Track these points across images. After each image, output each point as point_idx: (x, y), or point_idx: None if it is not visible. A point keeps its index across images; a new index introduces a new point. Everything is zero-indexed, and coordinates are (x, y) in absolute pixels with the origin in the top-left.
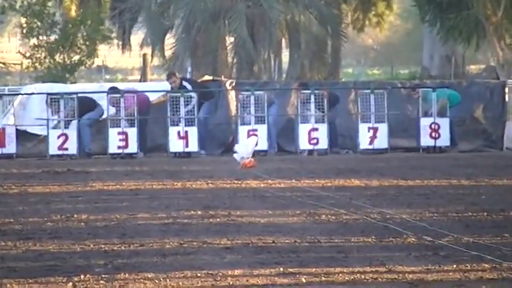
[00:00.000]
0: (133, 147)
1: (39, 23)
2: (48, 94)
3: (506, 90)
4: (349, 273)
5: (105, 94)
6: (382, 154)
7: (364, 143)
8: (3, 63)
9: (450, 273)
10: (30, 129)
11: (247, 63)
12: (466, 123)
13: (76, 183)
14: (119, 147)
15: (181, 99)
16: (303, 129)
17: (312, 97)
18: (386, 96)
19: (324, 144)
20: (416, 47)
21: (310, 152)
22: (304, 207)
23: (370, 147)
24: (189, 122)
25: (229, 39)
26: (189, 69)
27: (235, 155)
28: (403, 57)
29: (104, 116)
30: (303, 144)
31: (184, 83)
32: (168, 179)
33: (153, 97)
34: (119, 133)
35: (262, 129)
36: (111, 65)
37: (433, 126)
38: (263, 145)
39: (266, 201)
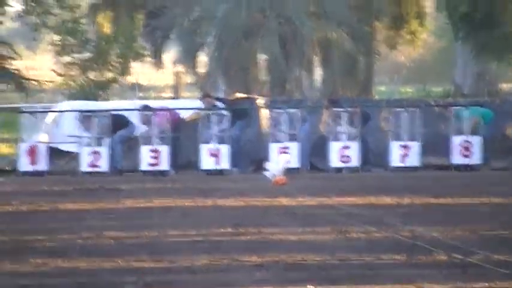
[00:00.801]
0: (164, 164)
1: (72, 40)
2: (81, 111)
3: None
4: None
5: (137, 112)
6: (414, 172)
7: (396, 160)
8: (37, 81)
9: None
10: (62, 147)
11: (280, 80)
12: (498, 140)
13: (107, 200)
14: (151, 165)
15: (214, 117)
16: (334, 147)
17: (344, 114)
18: (419, 114)
19: (355, 161)
20: (449, 64)
21: (339, 169)
22: (334, 225)
23: (402, 165)
24: (221, 140)
25: (262, 57)
26: (222, 86)
27: (266, 173)
28: (435, 74)
29: (136, 134)
30: (334, 162)
31: (217, 103)
32: (199, 197)
33: (186, 115)
34: (151, 150)
35: (294, 147)
36: (144, 82)
37: (465, 144)
38: (295, 163)
39: (296, 218)
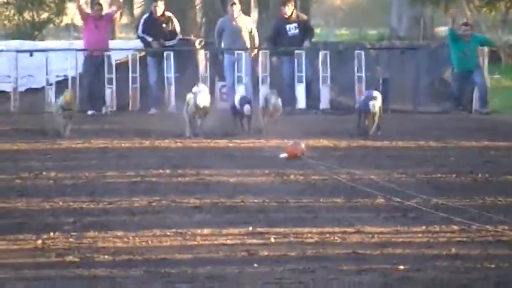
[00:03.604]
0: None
1: None
2: (17, 51)
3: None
4: (317, 233)
5: (74, 51)
6: (349, 115)
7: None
8: None
9: (419, 235)
10: None
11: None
12: (435, 85)
13: (44, 141)
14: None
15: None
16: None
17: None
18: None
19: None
20: (385, 8)
21: None
22: (272, 167)
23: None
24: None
25: None
26: None
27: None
28: (371, 18)
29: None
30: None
31: (169, 14)
32: (137, 138)
33: (119, 56)
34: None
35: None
36: (79, 23)
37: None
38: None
39: (235, 160)
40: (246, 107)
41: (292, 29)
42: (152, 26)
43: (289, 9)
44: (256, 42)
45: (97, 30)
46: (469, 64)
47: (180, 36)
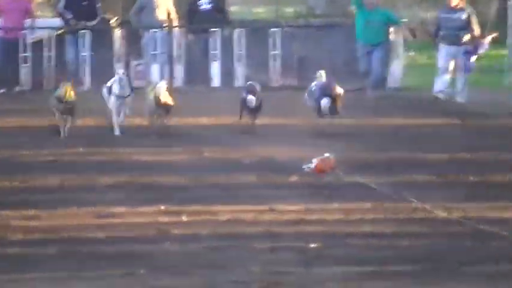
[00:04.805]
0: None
1: None
2: None
3: (391, 29)
4: (231, 211)
5: None
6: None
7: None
8: None
9: (332, 213)
10: None
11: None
12: (351, 63)
13: None
14: None
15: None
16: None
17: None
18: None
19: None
20: None
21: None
22: (189, 145)
23: None
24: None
25: None
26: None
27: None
28: None
29: None
30: None
31: None
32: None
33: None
34: None
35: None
36: None
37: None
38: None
39: (152, 139)
40: (250, 99)
41: (204, 3)
42: (73, 3)
43: None
44: (175, 20)
45: (13, 10)
46: (373, 37)
47: (101, 16)
